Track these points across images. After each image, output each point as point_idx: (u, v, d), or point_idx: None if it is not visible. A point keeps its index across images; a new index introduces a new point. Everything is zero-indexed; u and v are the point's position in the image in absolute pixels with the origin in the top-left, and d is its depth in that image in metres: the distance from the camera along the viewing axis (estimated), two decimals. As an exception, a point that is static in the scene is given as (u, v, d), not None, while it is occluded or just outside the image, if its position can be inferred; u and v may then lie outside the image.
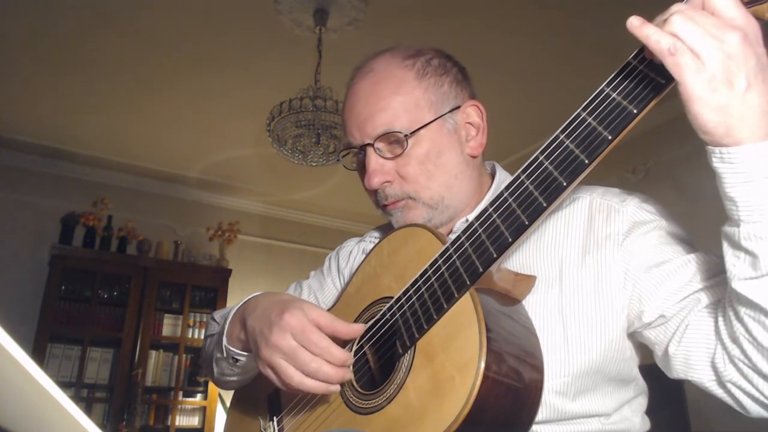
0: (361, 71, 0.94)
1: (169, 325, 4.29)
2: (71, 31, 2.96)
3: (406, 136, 0.87)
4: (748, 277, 0.60)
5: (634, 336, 0.80)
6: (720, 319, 0.68)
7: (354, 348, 0.83)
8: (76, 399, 3.75)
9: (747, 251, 0.59)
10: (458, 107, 0.92)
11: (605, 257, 0.78)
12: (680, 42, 0.55)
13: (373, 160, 0.89)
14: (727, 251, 0.62)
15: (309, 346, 0.74)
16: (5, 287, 3.83)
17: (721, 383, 0.69)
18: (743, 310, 0.62)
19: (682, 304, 0.73)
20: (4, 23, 2.89)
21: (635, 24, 0.58)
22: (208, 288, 4.49)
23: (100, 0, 2.74)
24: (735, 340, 0.65)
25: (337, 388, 0.76)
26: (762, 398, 0.66)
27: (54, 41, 3.04)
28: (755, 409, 0.67)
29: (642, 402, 0.87)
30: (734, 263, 0.61)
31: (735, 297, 0.63)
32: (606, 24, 2.79)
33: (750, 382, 0.66)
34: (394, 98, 0.88)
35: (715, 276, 0.72)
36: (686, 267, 0.74)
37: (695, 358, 0.71)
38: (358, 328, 0.78)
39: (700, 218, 1.64)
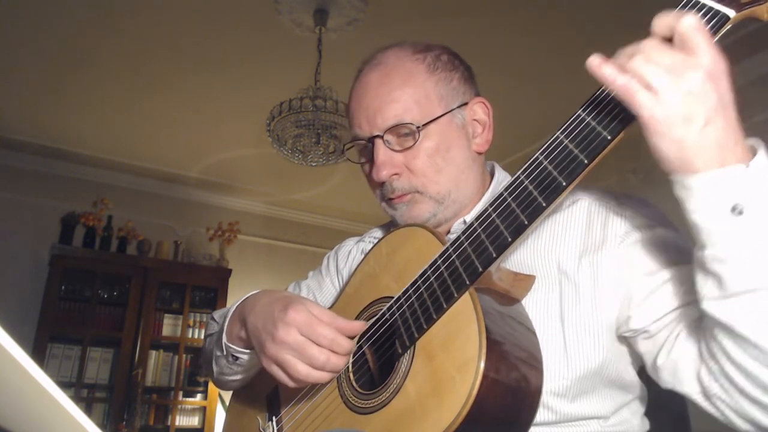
0: (370, 64, 0.93)
1: (169, 325, 4.29)
2: (71, 30, 2.96)
3: (418, 128, 0.86)
4: (715, 297, 0.61)
5: (626, 340, 0.80)
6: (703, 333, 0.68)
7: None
8: (76, 399, 3.75)
9: (713, 273, 0.61)
10: (466, 104, 0.92)
11: (601, 260, 0.77)
12: (634, 81, 0.57)
13: (382, 152, 0.88)
14: (697, 273, 0.63)
15: (317, 339, 0.75)
16: (5, 287, 3.83)
17: (707, 397, 0.69)
18: (715, 329, 0.63)
19: (672, 316, 0.73)
20: (4, 23, 2.89)
21: (595, 63, 0.60)
22: (208, 288, 4.49)
23: (100, 0, 2.75)
24: (713, 356, 0.65)
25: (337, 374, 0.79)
26: (746, 413, 0.65)
27: (54, 41, 3.04)
28: (742, 425, 0.66)
29: (641, 403, 0.86)
30: (702, 284, 0.63)
31: (705, 315, 0.64)
32: (608, 24, 2.79)
33: (732, 397, 0.65)
34: (405, 90, 0.87)
35: None
36: (678, 278, 0.73)
37: (683, 370, 0.71)
38: (359, 325, 0.79)
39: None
